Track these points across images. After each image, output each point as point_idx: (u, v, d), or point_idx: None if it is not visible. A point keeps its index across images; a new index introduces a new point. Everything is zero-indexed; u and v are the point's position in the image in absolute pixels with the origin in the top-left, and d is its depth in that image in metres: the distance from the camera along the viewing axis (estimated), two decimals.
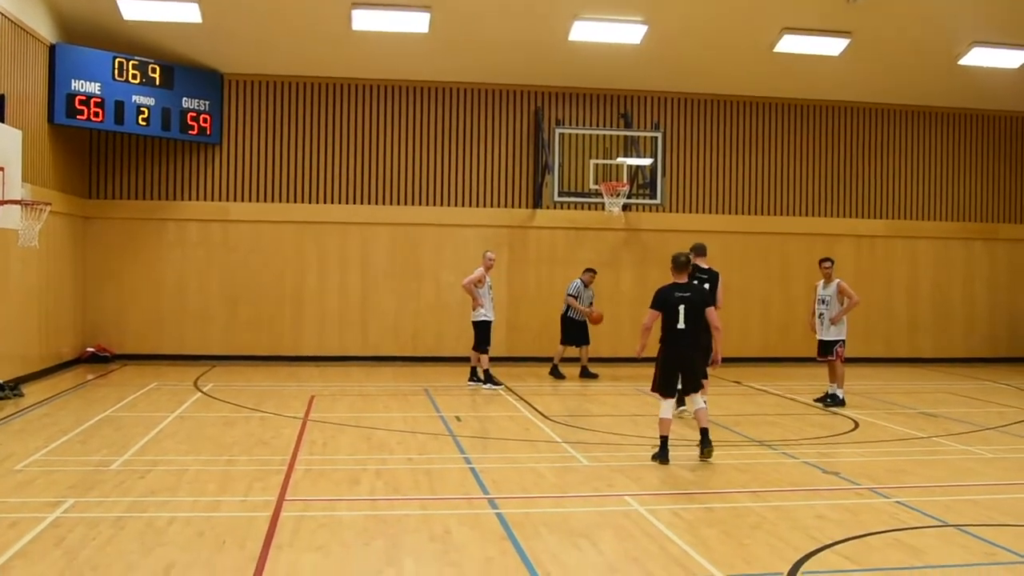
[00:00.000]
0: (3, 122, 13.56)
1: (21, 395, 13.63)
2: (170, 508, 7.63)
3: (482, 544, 6.79)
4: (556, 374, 16.89)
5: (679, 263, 10.02)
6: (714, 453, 9.78)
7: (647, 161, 18.62)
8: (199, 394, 14.37)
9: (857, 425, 12.25)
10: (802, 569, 6.31)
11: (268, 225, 19.01)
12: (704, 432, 9.83)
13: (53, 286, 16.56)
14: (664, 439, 9.73)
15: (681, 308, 9.81)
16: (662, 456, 9.62)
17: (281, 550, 6.54)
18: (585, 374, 17.08)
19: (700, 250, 12.60)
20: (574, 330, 17.25)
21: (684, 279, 10.05)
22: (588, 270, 17.40)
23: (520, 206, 19.78)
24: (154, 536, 6.86)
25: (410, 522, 7.37)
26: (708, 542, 6.89)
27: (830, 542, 6.90)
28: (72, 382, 15.55)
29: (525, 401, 13.94)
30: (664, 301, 9.91)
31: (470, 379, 15.67)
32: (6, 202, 12.97)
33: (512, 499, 8.08)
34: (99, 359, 18.05)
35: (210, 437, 10.88)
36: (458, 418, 12.30)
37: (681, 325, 9.81)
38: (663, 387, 9.96)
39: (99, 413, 12.27)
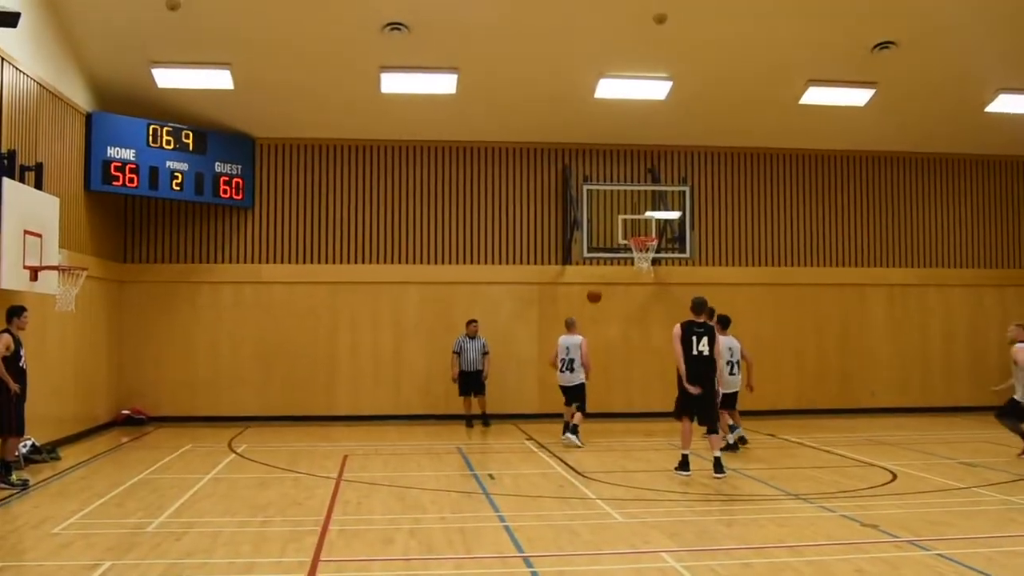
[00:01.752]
0: (41, 189, 13.83)
1: (58, 458, 13.74)
2: (206, 571, 7.65)
3: None
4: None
5: (697, 304, 12.41)
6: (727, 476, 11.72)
7: (675, 215, 18.68)
8: (233, 455, 14.42)
9: (895, 476, 12.10)
10: None
11: (300, 286, 19.19)
12: (717, 459, 11.98)
13: (89, 350, 16.76)
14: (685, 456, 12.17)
15: (696, 338, 12.19)
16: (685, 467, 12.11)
17: None
18: (485, 421, 18.14)
19: (698, 307, 12.46)
20: (464, 381, 18.04)
21: (701, 319, 12.36)
22: (470, 321, 18.16)
23: (549, 263, 19.87)
24: None
25: None
26: None
27: None
28: (107, 445, 15.67)
29: (558, 458, 13.89)
30: (685, 331, 12.23)
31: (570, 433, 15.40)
32: (44, 268, 13.24)
33: (547, 557, 8.03)
34: (134, 422, 18.19)
35: (244, 498, 10.90)
36: (491, 476, 12.27)
37: (696, 351, 12.11)
38: (677, 409, 12.49)
39: (135, 475, 12.34)
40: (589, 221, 18.41)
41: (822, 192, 20.82)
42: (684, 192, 18.70)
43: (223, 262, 19.17)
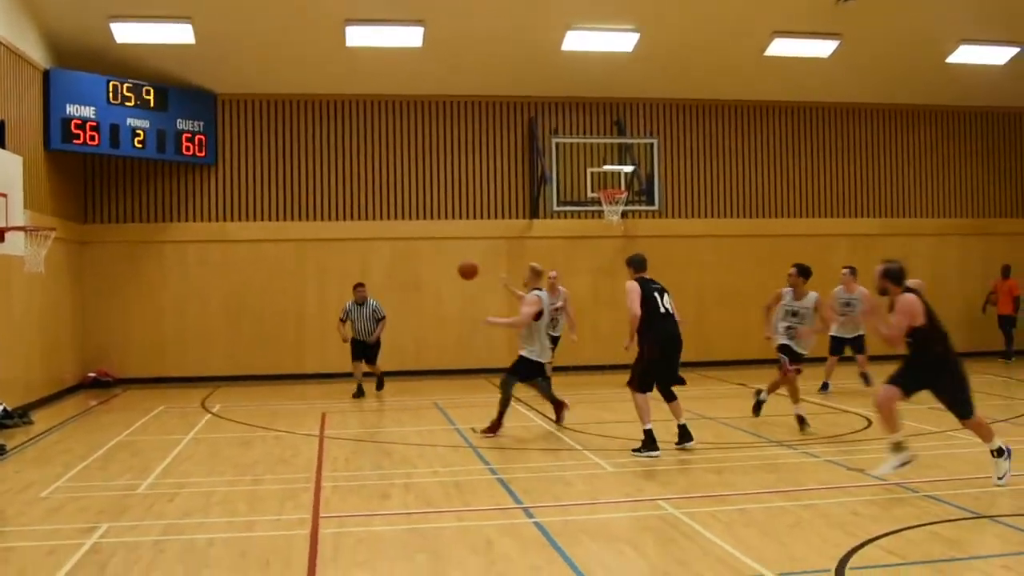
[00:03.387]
0: (3, 148, 13.49)
1: (31, 422, 13.54)
2: (206, 530, 7.60)
3: (526, 553, 6.79)
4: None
5: (642, 260, 10.84)
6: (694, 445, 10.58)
7: (629, 168, 18.66)
8: (208, 415, 14.32)
9: (870, 423, 12.31)
10: (849, 564, 6.34)
11: (267, 244, 19.00)
12: (683, 427, 10.59)
13: (53, 312, 16.48)
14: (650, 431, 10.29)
15: (659, 295, 10.58)
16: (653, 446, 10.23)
17: (327, 567, 6.53)
18: (380, 385, 16.76)
19: (644, 263, 10.94)
20: (356, 347, 16.46)
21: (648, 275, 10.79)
22: (357, 285, 16.48)
23: (517, 216, 19.82)
24: (197, 558, 6.83)
25: (449, 534, 7.35)
26: (749, 542, 6.91)
27: (869, 538, 6.92)
28: (77, 408, 15.48)
29: (536, 411, 13.95)
30: (645, 289, 10.52)
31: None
32: (11, 228, 12.92)
33: (546, 508, 8.09)
34: (101, 384, 17.97)
35: (229, 458, 10.83)
36: (474, 430, 12.28)
37: (663, 309, 10.53)
38: (643, 382, 10.47)
39: (112, 438, 12.21)
40: (557, 175, 18.37)
41: (786, 143, 20.96)
42: (652, 144, 18.72)
43: (187, 221, 18.90)
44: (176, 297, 18.76)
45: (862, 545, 6.76)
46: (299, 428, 12.79)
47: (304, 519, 7.83)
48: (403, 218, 19.47)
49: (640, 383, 10.44)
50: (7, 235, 12.90)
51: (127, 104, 17.38)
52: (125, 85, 17.33)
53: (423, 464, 10.19)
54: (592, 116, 20.07)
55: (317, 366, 19.01)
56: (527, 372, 12.03)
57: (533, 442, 11.51)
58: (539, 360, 12.03)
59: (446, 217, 19.62)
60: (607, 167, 18.80)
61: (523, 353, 11.94)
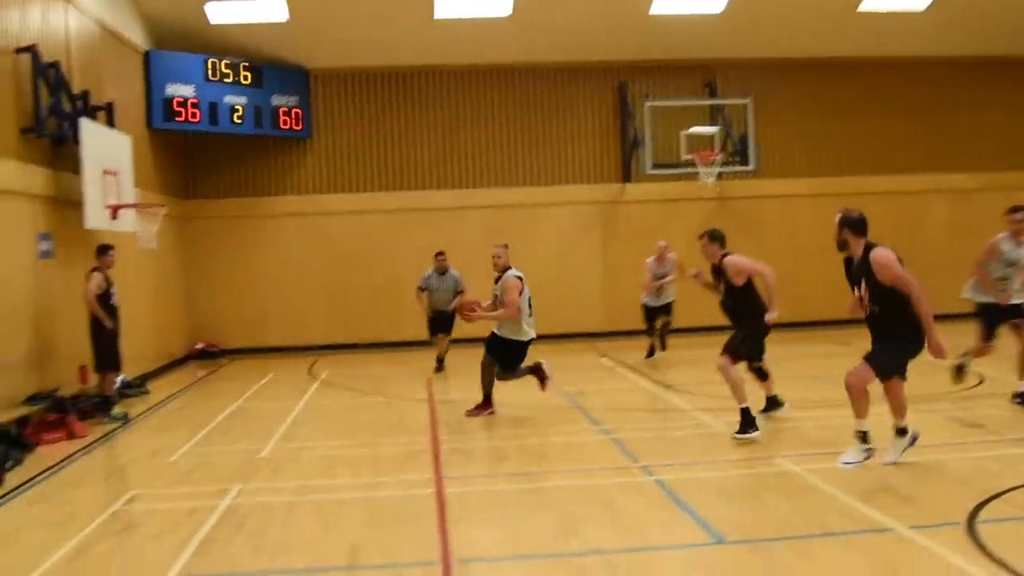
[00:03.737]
0: (113, 128, 13.90)
1: (147, 392, 14.03)
2: (334, 491, 7.83)
3: (650, 509, 6.87)
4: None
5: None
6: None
7: (712, 129, 18.52)
8: (317, 382, 14.67)
9: (982, 380, 12.09)
10: (978, 518, 6.29)
11: (361, 215, 19.28)
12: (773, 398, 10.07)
13: (162, 286, 16.98)
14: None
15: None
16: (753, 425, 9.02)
17: (457, 525, 6.67)
18: (440, 367, 15.27)
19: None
20: (433, 321, 15.35)
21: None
22: (438, 254, 15.33)
23: (610, 181, 19.78)
24: (330, 517, 7.04)
25: (571, 493, 7.46)
26: (874, 497, 6.88)
27: (998, 492, 6.85)
28: (189, 378, 15.98)
29: (641, 373, 13.99)
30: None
31: None
32: (125, 206, 13.37)
33: (664, 466, 8.15)
34: (208, 355, 18.48)
35: (344, 423, 11.11)
36: (580, 393, 12.34)
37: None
38: (750, 349, 9.53)
39: (228, 405, 12.58)
40: (649, 138, 18.29)
41: (880, 99, 20.48)
42: (745, 104, 18.51)
43: (285, 194, 19.26)
44: (276, 269, 19.15)
45: (990, 499, 6.69)
46: (408, 395, 13.01)
47: (428, 478, 8.01)
48: (495, 186, 19.57)
49: (746, 352, 9.46)
50: (120, 212, 13.35)
51: (225, 81, 17.74)
52: (223, 63, 17.69)
53: (534, 426, 10.33)
54: (683, 78, 19.87)
55: (415, 334, 19.19)
56: (519, 355, 10.88)
57: (641, 404, 11.57)
58: (525, 340, 10.85)
59: (538, 184, 19.66)
60: (699, 129, 18.64)
61: (511, 336, 10.78)
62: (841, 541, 5.99)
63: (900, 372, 7.70)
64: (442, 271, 15.22)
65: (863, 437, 7.70)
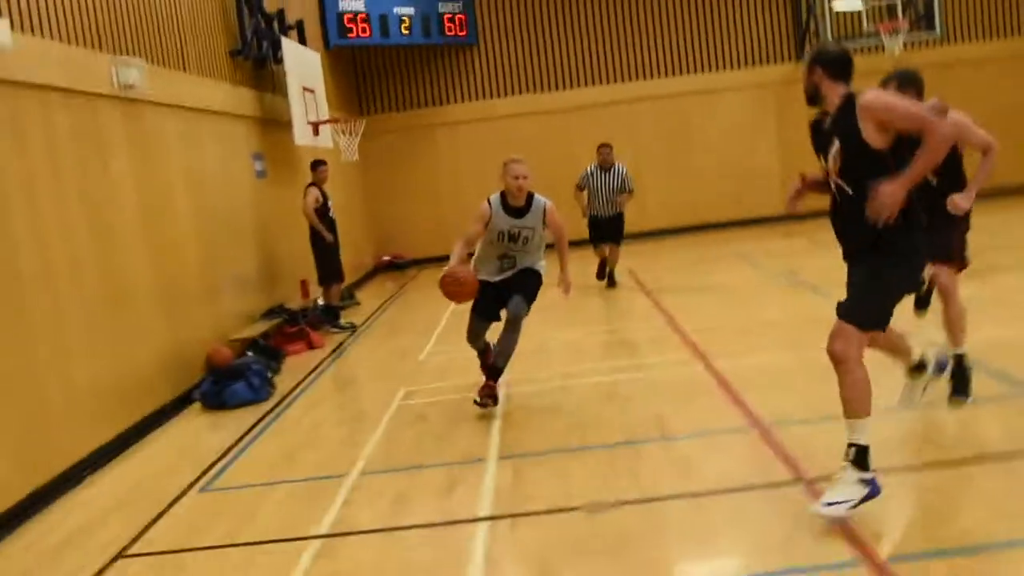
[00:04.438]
0: (304, 45, 14.16)
1: (358, 303, 14.48)
2: (598, 373, 7.98)
3: None
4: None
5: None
6: None
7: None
8: None
9: None
10: None
11: (532, 116, 19.21)
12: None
13: (349, 202, 17.35)
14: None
15: None
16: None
17: (748, 393, 6.74)
18: (610, 282, 13.09)
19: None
20: (595, 227, 13.09)
21: None
22: (602, 145, 13.00)
23: (783, 61, 19.22)
24: (607, 396, 7.23)
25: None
26: None
27: None
28: (391, 289, 16.39)
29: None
30: None
31: None
32: (325, 122, 13.67)
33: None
34: (396, 266, 18.93)
35: (569, 315, 10.90)
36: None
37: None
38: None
39: (443, 310, 12.78)
40: (826, 11, 17.68)
41: None
42: None
43: (456, 102, 19.37)
44: (452, 178, 19.33)
45: None
46: (624, 286, 13.02)
47: (690, 358, 8.10)
48: (665, 75, 19.26)
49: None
50: (320, 129, 13.66)
51: None
52: None
53: (763, 305, 10.32)
54: None
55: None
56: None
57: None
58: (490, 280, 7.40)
59: (708, 70, 19.25)
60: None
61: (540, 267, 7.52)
62: None
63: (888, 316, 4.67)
64: (606, 166, 12.87)
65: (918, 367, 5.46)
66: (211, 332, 9.71)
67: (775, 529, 4.53)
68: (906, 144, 4.46)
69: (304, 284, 12.77)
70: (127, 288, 7.97)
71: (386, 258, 19.02)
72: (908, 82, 5.65)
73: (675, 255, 16.39)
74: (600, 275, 13.22)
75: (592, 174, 12.94)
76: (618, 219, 12.93)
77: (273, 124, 12.93)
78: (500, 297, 7.31)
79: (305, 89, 13.31)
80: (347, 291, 14.72)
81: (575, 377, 7.96)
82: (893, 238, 4.50)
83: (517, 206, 7.22)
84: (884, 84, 5.55)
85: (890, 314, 4.65)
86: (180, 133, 9.66)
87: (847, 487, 4.43)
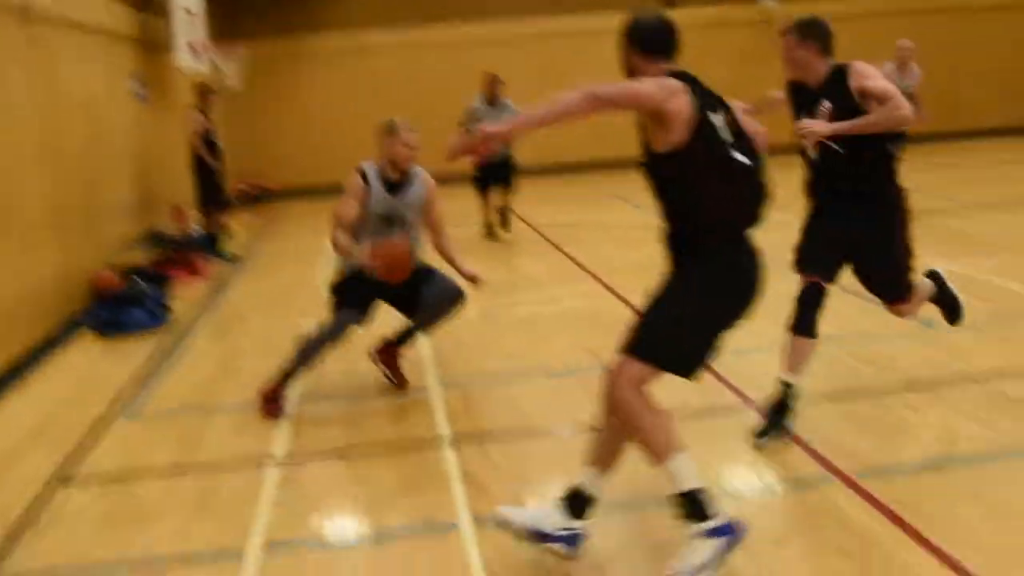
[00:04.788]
0: None
1: (231, 235, 13.95)
2: (520, 306, 8.04)
3: None
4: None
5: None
6: None
7: None
8: None
9: None
10: None
11: (410, 49, 18.76)
12: None
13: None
14: None
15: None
16: None
17: None
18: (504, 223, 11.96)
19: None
20: (483, 170, 11.49)
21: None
22: (490, 77, 11.27)
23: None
24: (537, 327, 7.31)
25: None
26: None
27: None
28: (255, 219, 15.91)
29: None
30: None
31: None
32: (208, 47, 13.10)
33: None
34: (254, 198, 18.13)
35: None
36: None
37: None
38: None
39: (324, 240, 12.52)
40: None
41: None
42: None
43: (326, 30, 18.68)
44: (322, 108, 18.70)
45: None
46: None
47: (603, 291, 8.25)
48: (546, 14, 19.08)
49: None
50: (199, 53, 13.07)
51: None
52: None
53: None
54: None
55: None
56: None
57: None
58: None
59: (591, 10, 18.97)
60: None
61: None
62: None
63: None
64: (493, 100, 11.16)
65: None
66: (93, 257, 9.27)
67: (742, 450, 4.73)
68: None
69: (178, 209, 12.16)
70: (12, 208, 7.50)
71: (240, 186, 18.02)
72: (809, 32, 4.74)
73: (556, 195, 16.32)
74: (490, 234, 11.81)
75: (478, 110, 11.00)
76: (508, 161, 11.46)
77: (156, 46, 12.36)
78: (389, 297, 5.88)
79: (187, 11, 12.67)
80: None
81: (495, 311, 7.93)
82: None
83: (395, 180, 5.76)
84: (784, 34, 4.86)
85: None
86: (64, 52, 9.13)
87: (694, 549, 3.44)
